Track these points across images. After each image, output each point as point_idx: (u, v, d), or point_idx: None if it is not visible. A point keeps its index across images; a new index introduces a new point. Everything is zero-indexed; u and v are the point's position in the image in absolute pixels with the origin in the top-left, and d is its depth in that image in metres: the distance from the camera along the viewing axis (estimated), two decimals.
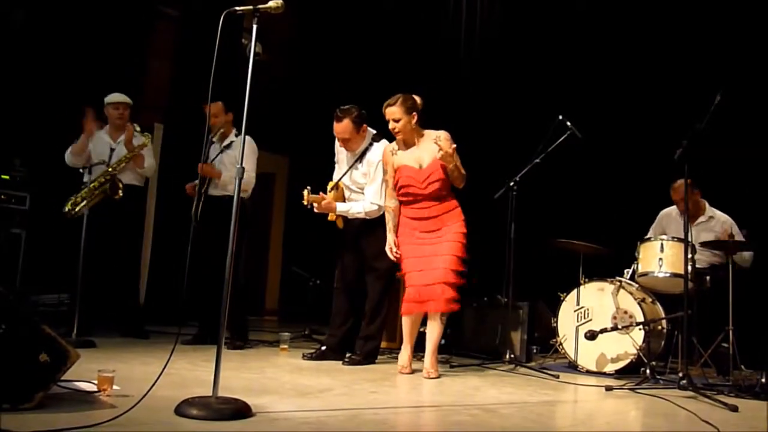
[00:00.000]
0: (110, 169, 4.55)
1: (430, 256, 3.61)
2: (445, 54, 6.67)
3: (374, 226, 3.93)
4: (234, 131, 4.55)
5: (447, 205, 3.68)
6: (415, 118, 3.65)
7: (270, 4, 2.50)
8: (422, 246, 3.65)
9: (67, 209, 4.47)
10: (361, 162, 4.00)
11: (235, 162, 4.35)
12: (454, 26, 6.74)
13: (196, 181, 4.38)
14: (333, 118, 3.94)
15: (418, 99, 3.69)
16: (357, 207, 3.97)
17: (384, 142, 3.94)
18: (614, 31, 5.72)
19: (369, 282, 4.03)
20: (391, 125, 3.67)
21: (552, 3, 6.17)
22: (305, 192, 3.86)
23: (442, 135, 3.63)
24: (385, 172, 3.81)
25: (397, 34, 6.95)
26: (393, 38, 6.96)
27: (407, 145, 3.71)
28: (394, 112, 3.64)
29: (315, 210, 3.95)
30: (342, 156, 4.14)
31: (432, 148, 3.64)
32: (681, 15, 5.41)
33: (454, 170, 3.58)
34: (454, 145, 3.57)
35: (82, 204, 4.43)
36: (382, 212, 3.88)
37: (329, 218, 4.03)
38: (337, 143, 4.12)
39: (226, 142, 4.49)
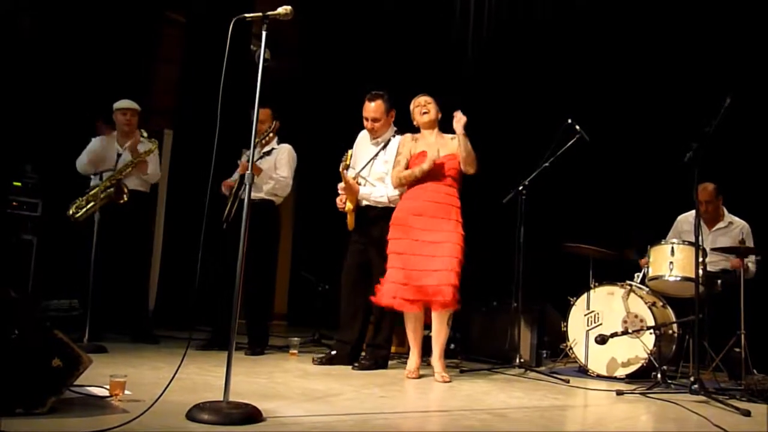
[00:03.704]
0: (115, 174, 4.59)
1: (429, 257, 3.60)
2: (453, 57, 6.68)
3: (383, 229, 3.93)
4: (276, 139, 4.58)
5: (453, 199, 3.73)
6: (439, 114, 3.88)
7: (279, 10, 2.51)
8: (420, 244, 3.63)
9: (70, 213, 4.51)
10: (384, 150, 4.05)
11: (273, 168, 4.40)
12: (462, 29, 6.74)
13: (231, 180, 4.42)
14: (353, 102, 4.10)
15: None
16: (379, 191, 4.01)
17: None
18: (623, 33, 5.70)
19: (376, 286, 4.03)
20: (426, 108, 3.85)
21: (561, 5, 6.16)
22: (348, 153, 3.92)
23: (456, 113, 3.77)
24: (399, 153, 3.85)
25: (404, 39, 6.97)
26: (400, 43, 6.97)
27: (427, 138, 3.84)
28: (429, 100, 3.88)
29: (340, 188, 4.00)
30: (362, 151, 4.17)
31: (450, 144, 3.77)
32: (692, 16, 5.39)
33: (464, 150, 3.66)
34: (463, 120, 3.69)
35: (87, 208, 4.46)
36: None
37: (345, 209, 4.05)
38: (359, 137, 4.20)
39: (267, 149, 4.50)
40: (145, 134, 4.82)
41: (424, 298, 3.60)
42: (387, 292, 3.67)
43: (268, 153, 4.50)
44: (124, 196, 4.52)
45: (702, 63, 5.24)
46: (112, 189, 4.52)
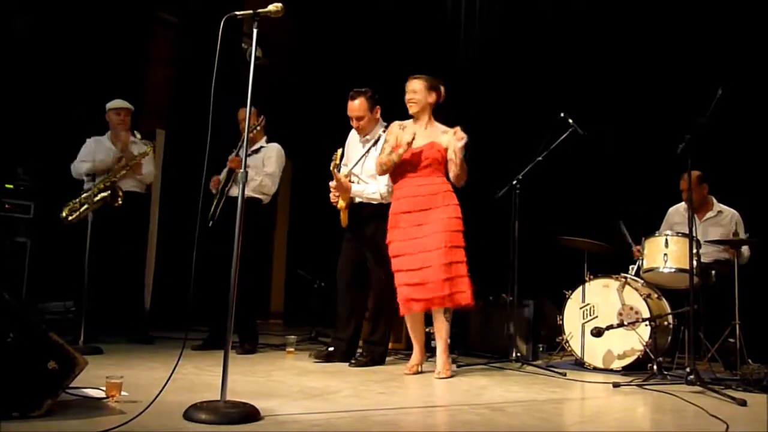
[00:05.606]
0: (110, 176, 4.57)
1: (420, 253, 3.57)
2: (445, 52, 6.67)
3: (377, 226, 3.93)
4: (264, 137, 4.56)
5: (437, 187, 3.67)
6: (433, 98, 3.75)
7: (270, 8, 2.50)
8: (413, 241, 3.61)
9: (64, 215, 4.50)
10: (375, 147, 4.03)
11: (260, 166, 4.38)
12: (454, 24, 6.74)
13: (220, 176, 4.40)
14: (346, 100, 4.05)
15: (443, 89, 3.79)
16: (371, 188, 4.00)
17: None
18: (616, 26, 5.70)
19: (371, 282, 4.03)
20: (412, 100, 3.73)
21: None
22: (338, 152, 3.88)
23: (456, 129, 3.66)
24: (386, 141, 3.80)
25: (397, 33, 6.96)
26: (393, 37, 6.96)
27: (414, 126, 3.75)
28: (415, 89, 3.74)
29: (331, 186, 3.99)
30: (353, 149, 4.17)
31: (435, 134, 3.71)
32: (684, 9, 5.39)
33: (458, 165, 3.59)
34: (464, 139, 3.58)
35: (81, 210, 4.44)
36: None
37: (339, 206, 4.04)
38: (348, 137, 4.19)
39: (255, 147, 4.48)
40: (138, 136, 4.80)
41: (424, 296, 3.56)
42: (398, 298, 3.65)
43: (256, 151, 4.48)
44: (119, 199, 4.51)
45: (694, 55, 5.24)
46: (107, 192, 4.50)
